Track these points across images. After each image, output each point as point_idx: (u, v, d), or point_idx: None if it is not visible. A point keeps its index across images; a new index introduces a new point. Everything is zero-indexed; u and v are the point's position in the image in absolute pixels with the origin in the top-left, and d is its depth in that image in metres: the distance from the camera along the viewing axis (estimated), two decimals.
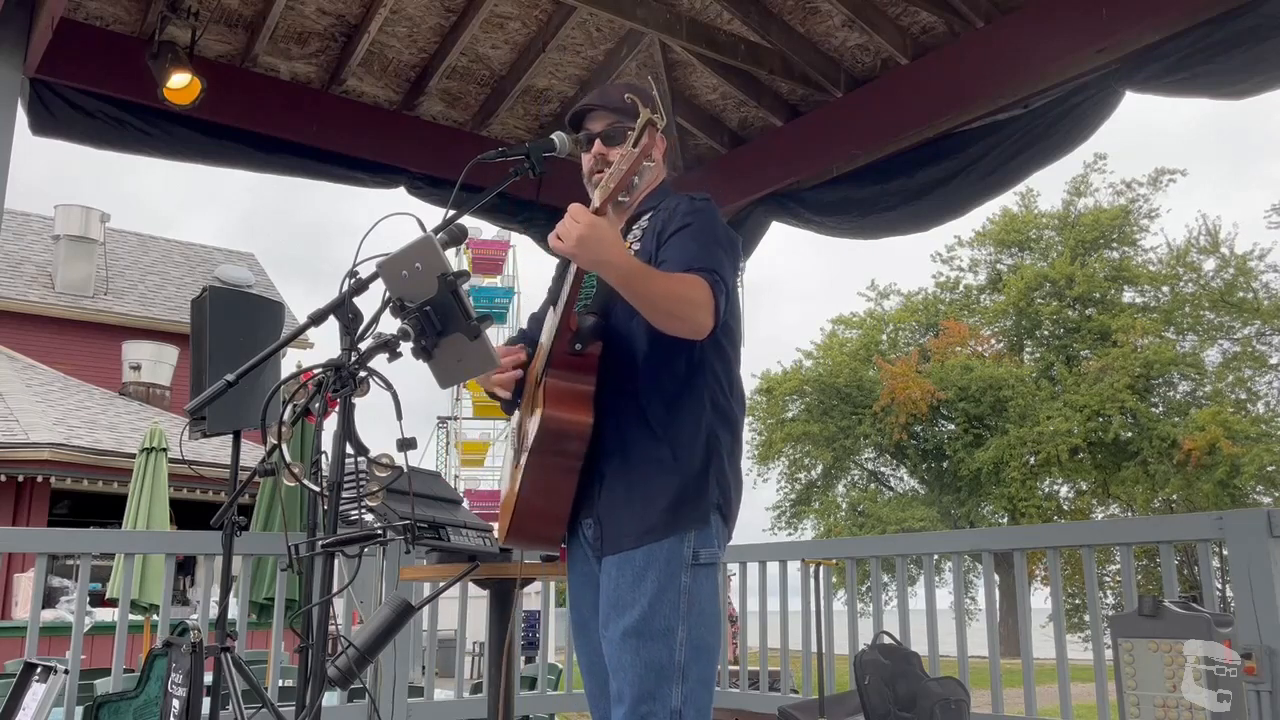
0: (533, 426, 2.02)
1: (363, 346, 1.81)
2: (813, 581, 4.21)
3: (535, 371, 2.10)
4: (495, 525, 2.35)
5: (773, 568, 4.85)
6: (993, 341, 25.94)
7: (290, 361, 13.85)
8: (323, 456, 1.84)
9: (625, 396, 2.04)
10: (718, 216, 2.13)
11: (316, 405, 1.80)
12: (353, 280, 1.84)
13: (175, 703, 2.94)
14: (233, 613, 4.14)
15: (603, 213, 1.91)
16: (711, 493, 2.03)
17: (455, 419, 22.84)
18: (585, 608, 2.13)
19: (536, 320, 2.35)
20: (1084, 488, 24.34)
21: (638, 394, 2.04)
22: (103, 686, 4.66)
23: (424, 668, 4.71)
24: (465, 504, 3.52)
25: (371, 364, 1.81)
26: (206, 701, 2.99)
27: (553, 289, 2.30)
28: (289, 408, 1.95)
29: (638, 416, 2.03)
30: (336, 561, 1.85)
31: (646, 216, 2.15)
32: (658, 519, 1.98)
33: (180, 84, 3.99)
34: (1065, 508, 24.30)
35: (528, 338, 2.28)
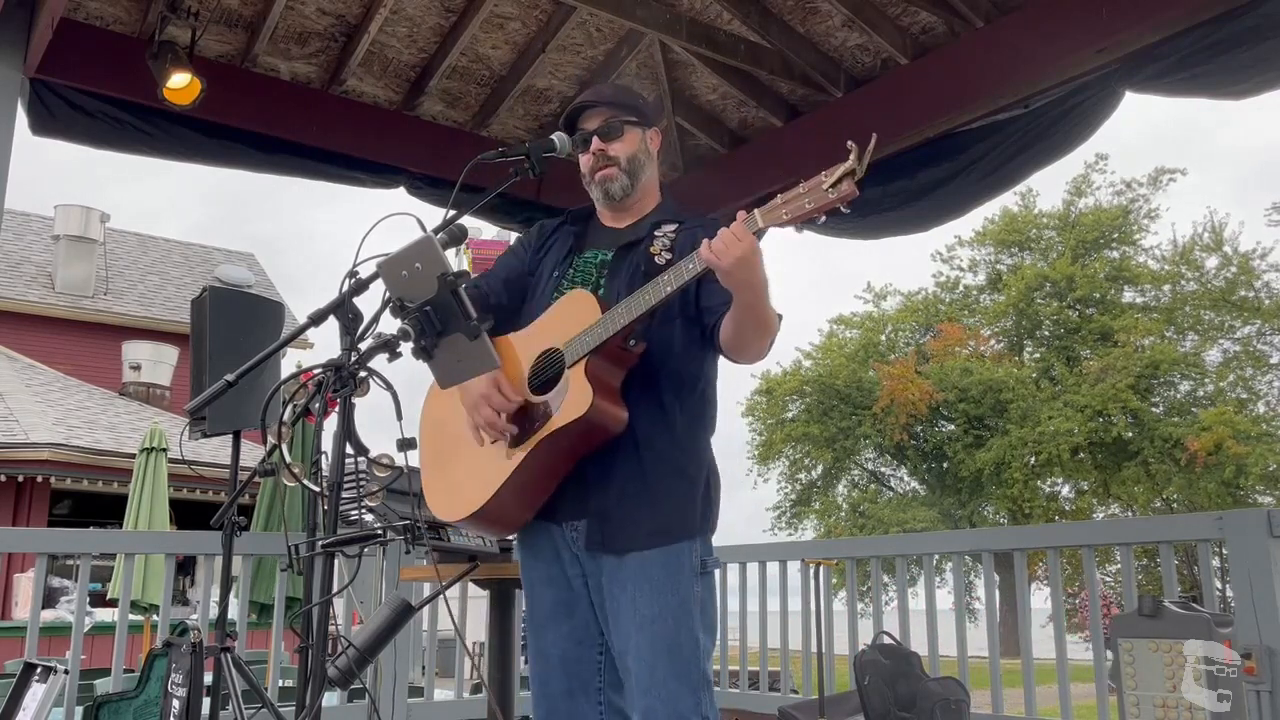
0: (557, 408, 1.97)
1: (363, 346, 1.81)
2: (813, 581, 4.21)
3: (529, 349, 2.06)
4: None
5: (773, 568, 4.85)
6: (992, 342, 25.93)
7: (290, 361, 13.85)
8: (323, 456, 1.84)
9: (650, 399, 2.04)
10: None
11: (316, 405, 1.80)
12: (353, 280, 1.84)
13: (175, 703, 2.94)
14: (233, 613, 4.14)
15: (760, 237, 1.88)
16: (714, 502, 2.11)
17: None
18: (545, 607, 2.11)
19: (510, 284, 2.27)
20: (1084, 488, 24.33)
21: (662, 399, 2.05)
22: (103, 686, 4.66)
23: (424, 668, 4.71)
24: None
25: (371, 364, 1.80)
26: (206, 701, 2.99)
27: (564, 273, 2.22)
28: (289, 408, 1.95)
29: (663, 421, 2.04)
30: (336, 561, 1.85)
31: (672, 228, 2.14)
32: (670, 522, 2.00)
33: (180, 84, 3.99)
34: (1066, 508, 24.30)
35: (483, 294, 2.19)
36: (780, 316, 2.01)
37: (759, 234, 1.83)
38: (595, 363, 1.97)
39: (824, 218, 1.76)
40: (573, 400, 1.95)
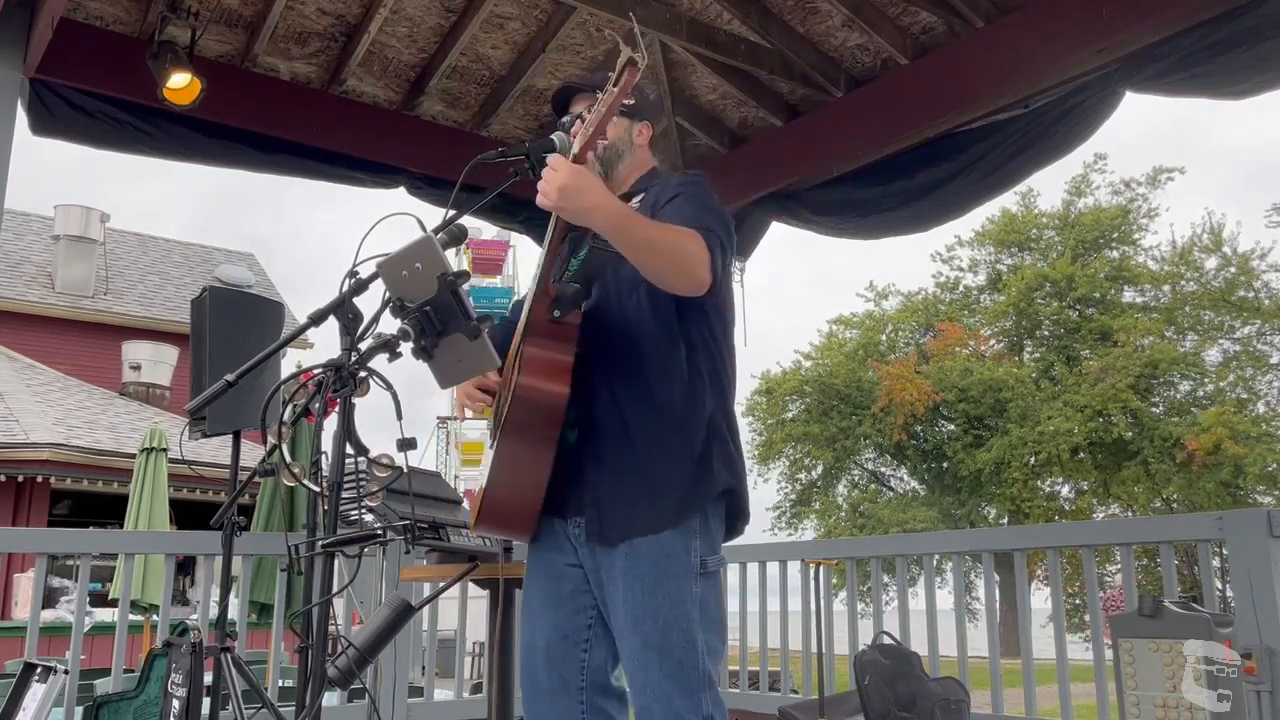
0: (507, 401, 1.97)
1: (363, 346, 1.81)
2: (813, 581, 4.21)
3: (514, 347, 2.07)
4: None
5: (773, 568, 4.85)
6: (992, 342, 25.93)
7: (290, 361, 13.85)
8: (323, 456, 1.84)
9: (627, 375, 2.00)
10: (709, 189, 2.11)
11: (316, 405, 1.80)
12: (353, 280, 1.84)
13: (175, 703, 2.94)
14: (233, 613, 4.14)
15: (582, 161, 1.86)
16: (718, 476, 2.00)
17: (455, 419, 22.83)
18: (538, 595, 2.09)
19: (518, 306, 2.32)
20: (1084, 488, 24.33)
21: (643, 373, 2.00)
22: (103, 686, 4.66)
23: (424, 668, 4.71)
24: (465, 504, 3.51)
25: (371, 364, 1.80)
26: (206, 701, 2.99)
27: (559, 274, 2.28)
28: (289, 408, 1.95)
29: (648, 401, 1.99)
30: (336, 561, 1.85)
31: (639, 198, 2.13)
32: (668, 507, 1.95)
33: (180, 84, 3.99)
34: (1066, 508, 24.29)
35: (510, 321, 2.22)
36: (708, 229, 1.92)
37: (579, 159, 1.84)
38: (530, 342, 1.95)
39: (617, 117, 1.83)
40: (510, 391, 1.96)
